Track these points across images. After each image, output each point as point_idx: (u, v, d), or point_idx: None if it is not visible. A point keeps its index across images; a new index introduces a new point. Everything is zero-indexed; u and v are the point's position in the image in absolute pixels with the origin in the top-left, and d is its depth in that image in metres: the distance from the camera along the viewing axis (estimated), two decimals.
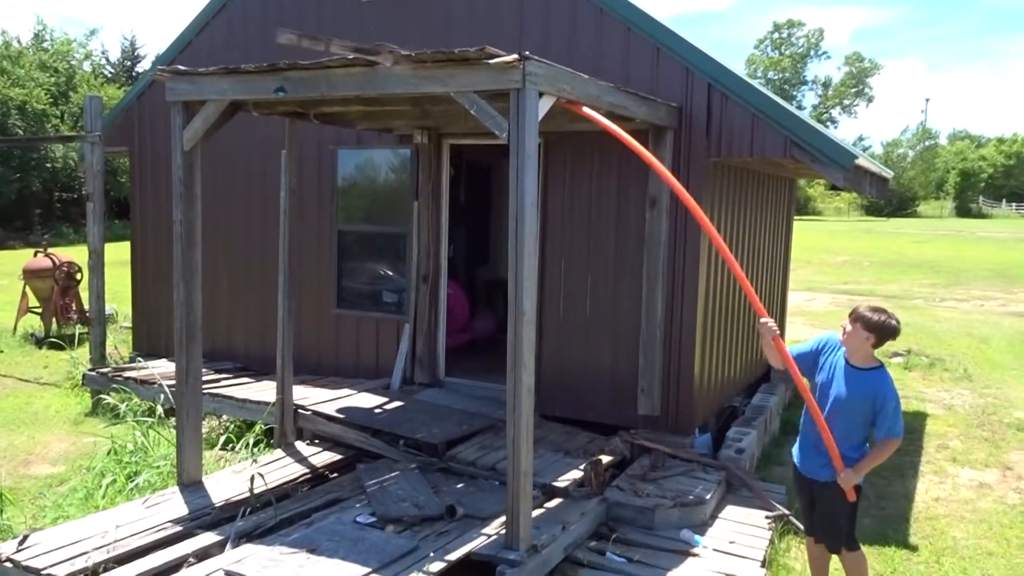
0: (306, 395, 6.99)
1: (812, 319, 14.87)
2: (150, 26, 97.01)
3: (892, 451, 4.06)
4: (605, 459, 5.87)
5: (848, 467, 4.03)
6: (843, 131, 79.01)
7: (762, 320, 4.14)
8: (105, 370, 8.43)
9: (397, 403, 6.98)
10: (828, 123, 74.80)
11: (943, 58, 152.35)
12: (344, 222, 7.99)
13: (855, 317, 3.98)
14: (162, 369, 8.22)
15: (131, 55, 44.33)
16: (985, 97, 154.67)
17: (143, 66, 42.15)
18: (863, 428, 4.07)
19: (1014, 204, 70.45)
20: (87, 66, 39.09)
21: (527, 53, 4.15)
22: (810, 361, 4.23)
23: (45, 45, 36.56)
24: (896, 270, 23.46)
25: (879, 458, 4.08)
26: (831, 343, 4.18)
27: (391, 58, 4.38)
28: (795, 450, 4.43)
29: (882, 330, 3.92)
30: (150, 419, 6.62)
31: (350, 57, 4.52)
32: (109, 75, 41.38)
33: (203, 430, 6.23)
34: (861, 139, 79.97)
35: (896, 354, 10.73)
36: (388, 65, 4.45)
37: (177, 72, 5.22)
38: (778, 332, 4.15)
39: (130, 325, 9.87)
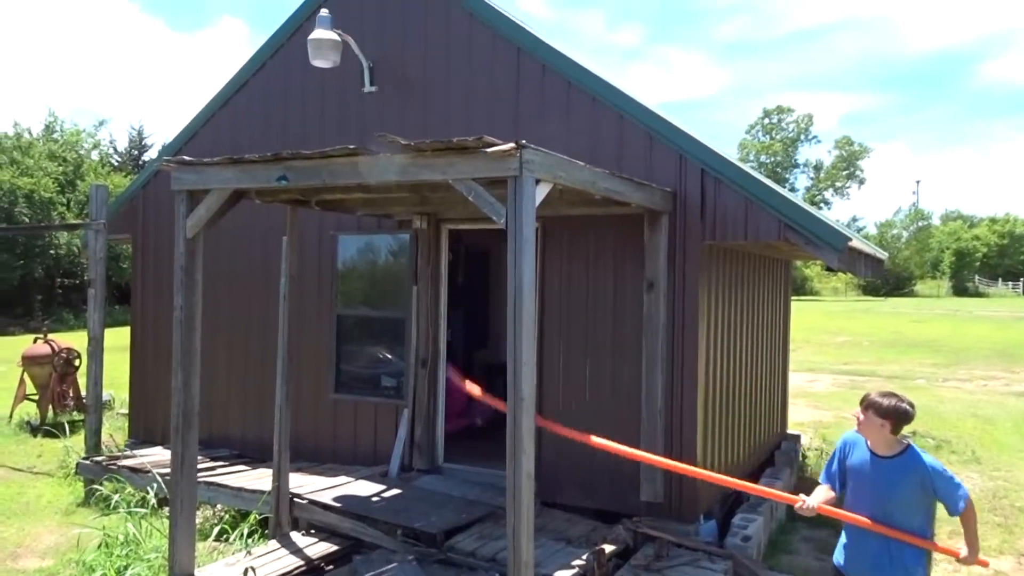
0: (302, 483, 6.87)
1: (815, 400, 14.75)
2: (158, 117, 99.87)
3: (974, 511, 3.95)
4: (608, 548, 5.72)
5: (963, 553, 3.93)
6: (836, 212, 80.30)
7: (798, 507, 4.11)
8: (99, 458, 8.29)
9: (395, 491, 6.84)
10: (821, 205, 76.01)
11: (930, 141, 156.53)
12: (343, 306, 8.03)
13: (866, 404, 3.90)
14: (157, 457, 8.10)
15: (138, 144, 45.44)
16: (974, 178, 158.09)
17: (149, 155, 43.20)
18: (919, 514, 3.92)
19: (1010, 283, 70.93)
20: (95, 155, 40.06)
21: (524, 142, 4.25)
22: (837, 474, 4.14)
23: (55, 135, 37.55)
24: (896, 350, 23.40)
25: (974, 524, 3.95)
26: (848, 442, 4.11)
27: (392, 148, 4.49)
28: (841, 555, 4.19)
29: (896, 414, 3.84)
30: (143, 509, 6.48)
31: (350, 147, 4.63)
32: (116, 164, 42.32)
33: (197, 520, 6.09)
34: (855, 220, 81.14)
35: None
36: (389, 155, 4.55)
37: (183, 162, 5.34)
38: (811, 505, 4.05)
39: (127, 412, 9.77)
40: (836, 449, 4.20)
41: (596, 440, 5.42)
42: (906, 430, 4.13)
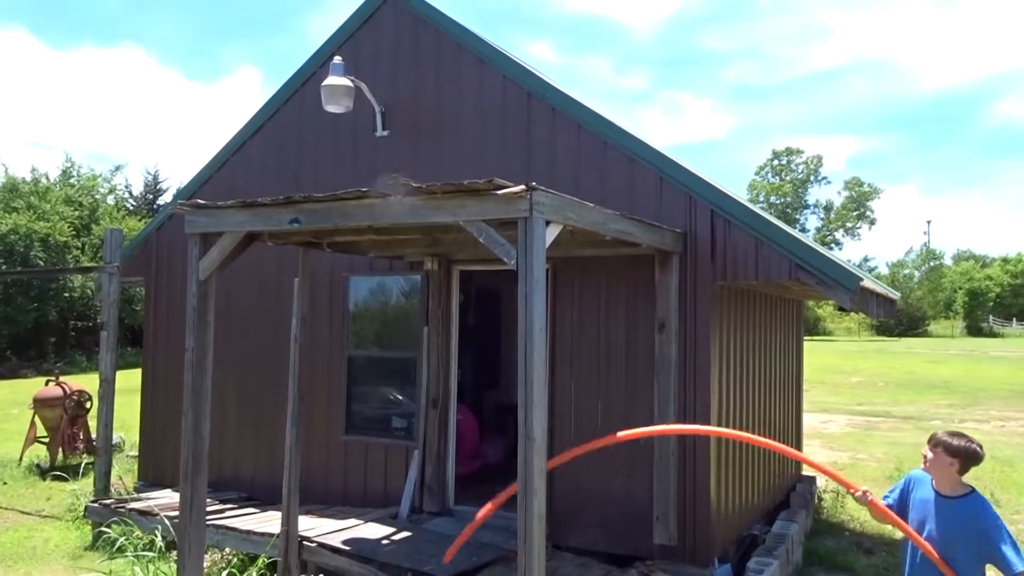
0: (312, 525, 6.81)
1: (829, 441, 14.56)
2: (173, 162, 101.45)
3: None
4: None
5: None
6: (847, 253, 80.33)
7: (859, 495, 4.12)
8: (108, 501, 8.25)
9: (405, 533, 6.77)
10: (832, 245, 75.95)
11: (941, 181, 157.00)
12: (355, 347, 8.04)
13: (935, 443, 3.91)
14: (166, 500, 8.05)
15: (153, 189, 46.02)
16: (985, 219, 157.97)
17: (164, 199, 43.70)
18: (974, 562, 3.86)
19: None
20: (111, 199, 40.57)
21: (534, 184, 4.30)
22: (896, 504, 4.14)
23: (72, 180, 38.12)
24: (912, 391, 23.14)
25: None
26: (913, 479, 4.11)
27: (403, 190, 4.54)
28: None
29: (965, 455, 3.85)
30: (151, 553, 6.42)
31: (362, 190, 4.69)
32: (131, 208, 42.81)
33: (205, 564, 6.04)
34: (867, 260, 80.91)
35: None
36: (400, 197, 4.61)
37: (196, 205, 5.41)
38: (872, 499, 4.08)
39: (136, 454, 9.75)
40: (901, 482, 4.20)
41: (622, 434, 5.32)
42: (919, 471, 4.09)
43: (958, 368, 30.00)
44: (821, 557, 7.76)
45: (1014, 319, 71.15)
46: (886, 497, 4.24)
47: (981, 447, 3.90)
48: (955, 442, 3.85)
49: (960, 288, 73.45)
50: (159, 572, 6.17)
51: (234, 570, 6.56)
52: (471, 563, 6.06)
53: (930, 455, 3.92)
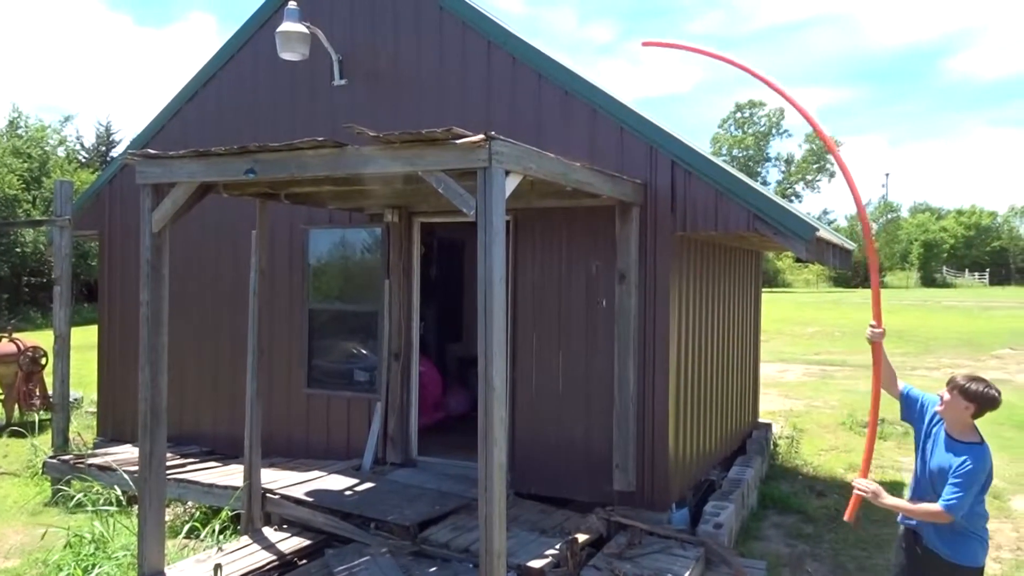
0: (275, 478, 6.82)
1: (787, 390, 14.93)
2: (126, 112, 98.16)
3: (930, 517, 3.87)
4: (581, 538, 5.75)
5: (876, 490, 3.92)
6: (807, 205, 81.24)
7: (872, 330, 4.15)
8: (67, 457, 8.18)
9: (368, 484, 6.82)
10: (792, 198, 76.80)
11: (899, 135, 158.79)
12: (315, 301, 7.98)
13: (953, 386, 3.87)
14: (126, 455, 8.01)
15: (106, 140, 44.66)
16: (942, 171, 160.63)
17: (118, 151, 42.38)
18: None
19: (976, 273, 72.25)
20: (61, 152, 39.29)
21: (493, 133, 4.25)
22: (915, 408, 4.11)
23: (19, 132, 36.77)
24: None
25: (913, 511, 3.92)
26: (936, 412, 4.02)
27: (361, 139, 4.46)
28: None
29: (982, 399, 3.81)
30: (111, 508, 6.39)
31: (319, 139, 4.60)
32: (83, 160, 41.55)
33: (167, 518, 6.04)
34: (826, 213, 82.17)
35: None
36: (357, 146, 4.53)
37: (147, 155, 5.27)
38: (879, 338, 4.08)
39: (95, 410, 9.63)
40: (927, 397, 4.12)
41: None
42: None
43: (912, 318, 30.80)
44: (775, 500, 8.01)
45: (966, 270, 73.09)
46: (909, 390, 4.18)
47: (999, 392, 3.85)
48: (973, 386, 3.82)
49: (916, 240, 75.05)
50: (120, 526, 6.15)
51: (197, 523, 6.57)
52: (434, 511, 6.14)
53: (947, 397, 3.88)
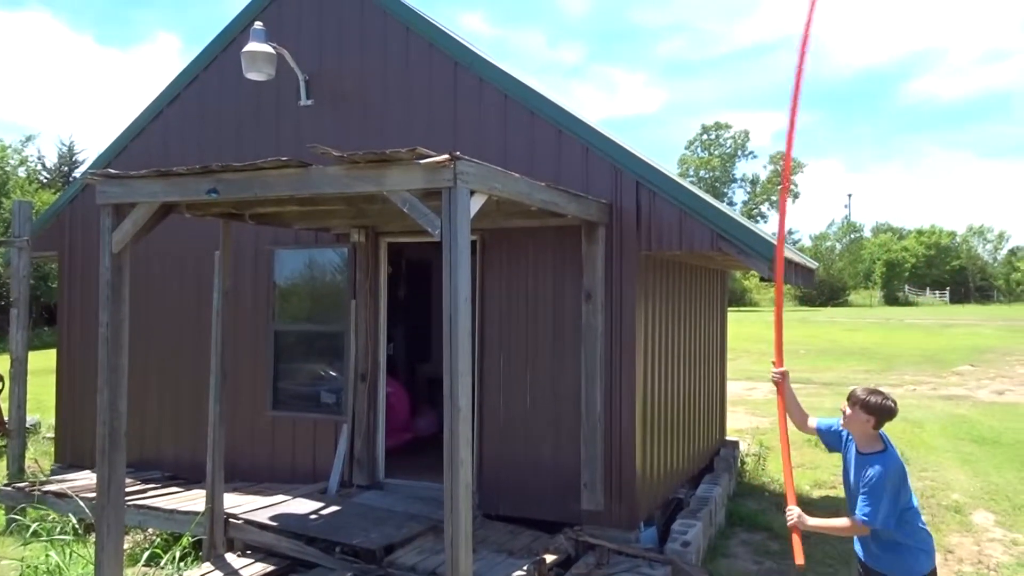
0: (238, 503, 6.70)
1: (753, 407, 15.05)
2: (90, 132, 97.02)
3: (849, 531, 3.97)
4: (549, 558, 5.72)
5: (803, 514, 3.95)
6: (773, 225, 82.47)
7: (774, 371, 4.28)
8: (22, 484, 7.95)
9: (334, 508, 6.73)
10: (758, 218, 77.99)
11: (861, 157, 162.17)
12: (281, 322, 7.90)
13: (853, 400, 4.01)
14: (85, 481, 7.82)
15: (68, 160, 43.93)
16: (902, 192, 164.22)
17: (80, 171, 41.76)
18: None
19: (937, 292, 73.81)
20: (22, 171, 38.57)
21: (458, 153, 4.27)
22: (832, 435, 4.23)
23: None
24: (831, 357, 24.06)
25: (834, 528, 4.02)
26: (847, 432, 4.17)
27: (325, 159, 4.45)
28: (856, 545, 4.22)
29: (881, 411, 3.95)
30: (68, 537, 6.22)
31: (283, 159, 4.58)
32: (45, 180, 40.82)
33: (126, 545, 5.89)
34: (791, 233, 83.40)
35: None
36: (322, 166, 4.51)
37: (108, 175, 5.20)
38: (802, 521, 4.05)
39: (53, 436, 9.40)
40: (839, 423, 4.23)
41: None
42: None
43: (875, 336, 31.33)
44: (743, 518, 8.05)
45: (928, 288, 74.62)
46: (823, 422, 4.31)
47: (895, 403, 4.01)
48: (873, 399, 3.97)
49: (878, 259, 76.55)
50: (76, 555, 5.98)
51: (157, 550, 6.40)
52: (401, 534, 6.07)
53: (848, 412, 4.03)
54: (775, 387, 4.32)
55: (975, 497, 9.04)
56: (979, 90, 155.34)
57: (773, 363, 4.32)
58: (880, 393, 4.04)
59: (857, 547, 4.20)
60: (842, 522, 3.98)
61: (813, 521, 4.02)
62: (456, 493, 4.25)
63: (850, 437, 4.12)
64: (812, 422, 4.34)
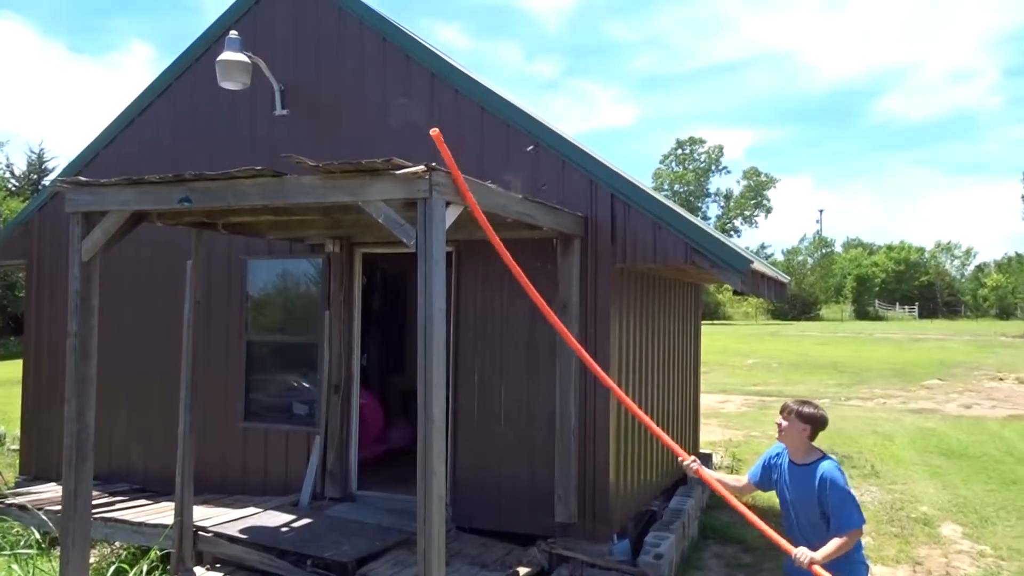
0: (208, 515, 6.61)
1: (726, 420, 15.16)
2: (60, 140, 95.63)
3: (849, 543, 3.96)
4: (523, 571, 5.71)
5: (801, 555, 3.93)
6: (746, 240, 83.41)
7: (686, 464, 4.35)
8: None
9: (306, 520, 6.66)
10: (732, 233, 78.80)
11: (832, 173, 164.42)
12: (254, 333, 7.82)
13: (789, 411, 4.14)
14: (50, 494, 7.67)
15: (38, 168, 43.28)
16: (871, 208, 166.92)
17: (51, 179, 41.14)
18: (817, 524, 4.03)
19: (907, 307, 74.99)
20: None
21: (434, 164, 4.27)
22: (764, 477, 4.33)
23: None
24: (803, 371, 24.31)
25: (839, 548, 3.96)
26: (774, 449, 4.31)
27: (300, 169, 4.43)
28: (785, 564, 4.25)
29: (815, 420, 4.10)
30: (31, 551, 6.09)
31: (257, 168, 4.55)
32: (13, 188, 40.19)
33: (92, 559, 5.78)
34: (764, 247, 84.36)
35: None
36: (296, 176, 4.49)
37: (78, 183, 5.13)
38: (698, 466, 4.31)
39: (18, 448, 9.21)
40: (762, 457, 4.42)
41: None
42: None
43: (846, 349, 31.70)
44: (716, 530, 8.09)
45: (897, 303, 75.78)
46: (751, 471, 4.43)
47: (826, 413, 4.19)
48: (806, 409, 4.12)
49: (849, 274, 77.63)
50: (39, 571, 5.86)
51: (124, 564, 6.29)
52: (374, 547, 6.02)
53: (784, 423, 4.14)
54: (697, 475, 4.38)
55: (943, 509, 9.16)
56: (946, 109, 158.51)
57: (680, 459, 4.40)
58: (812, 404, 4.20)
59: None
60: (842, 540, 3.96)
61: (822, 552, 3.95)
62: (430, 505, 4.22)
63: (779, 458, 4.22)
64: (744, 480, 4.46)
